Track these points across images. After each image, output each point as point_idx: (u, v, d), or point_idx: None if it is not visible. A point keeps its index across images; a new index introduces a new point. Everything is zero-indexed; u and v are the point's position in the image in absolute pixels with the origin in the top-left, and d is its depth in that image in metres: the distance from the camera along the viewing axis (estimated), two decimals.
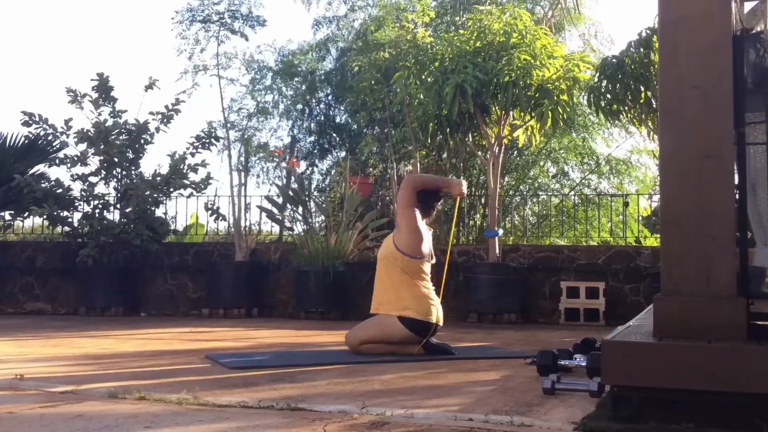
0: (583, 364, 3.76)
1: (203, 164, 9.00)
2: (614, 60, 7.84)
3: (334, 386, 3.58)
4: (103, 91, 8.89)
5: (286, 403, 3.00)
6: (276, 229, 10.45)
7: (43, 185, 8.90)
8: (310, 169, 13.48)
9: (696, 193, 2.77)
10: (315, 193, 11.46)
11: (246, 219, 9.37)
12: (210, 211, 9.23)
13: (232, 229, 9.23)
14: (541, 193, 12.37)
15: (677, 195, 2.82)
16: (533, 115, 8.08)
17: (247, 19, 10.07)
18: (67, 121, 8.92)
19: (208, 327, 7.04)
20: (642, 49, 7.61)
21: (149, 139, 8.99)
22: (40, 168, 9.41)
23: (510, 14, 8.35)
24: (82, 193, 8.93)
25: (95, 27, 25.86)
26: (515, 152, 11.79)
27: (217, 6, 9.86)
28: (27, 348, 5.20)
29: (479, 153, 9.03)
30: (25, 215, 9.27)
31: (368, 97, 11.10)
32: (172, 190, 8.98)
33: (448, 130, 8.33)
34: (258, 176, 13.30)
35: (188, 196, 9.38)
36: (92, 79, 8.86)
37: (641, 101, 7.67)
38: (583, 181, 12.78)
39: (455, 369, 4.22)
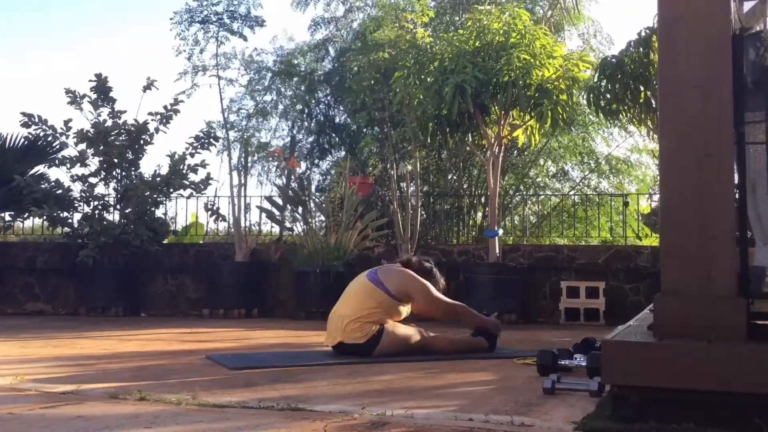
0: (583, 363, 3.76)
1: (203, 164, 9.01)
2: (614, 60, 7.83)
3: (334, 386, 3.58)
4: (102, 91, 8.90)
5: (286, 403, 3.00)
6: (276, 229, 10.45)
7: (43, 186, 8.91)
8: (310, 169, 13.49)
9: (696, 193, 2.77)
10: (315, 193, 11.44)
11: (246, 219, 9.38)
12: (210, 212, 9.23)
13: (232, 230, 9.22)
14: (541, 192, 12.37)
15: (677, 194, 2.82)
16: (533, 114, 8.08)
17: (245, 20, 10.06)
18: (66, 122, 8.93)
19: (208, 327, 7.04)
20: (641, 49, 7.61)
21: (149, 140, 9.00)
22: (40, 169, 9.43)
23: (509, 14, 8.34)
24: (82, 193, 8.94)
25: (94, 27, 25.86)
26: (515, 152, 11.79)
27: (215, 7, 9.86)
28: (27, 348, 5.20)
29: (479, 153, 9.03)
30: (25, 216, 9.27)
31: (368, 97, 11.09)
32: (171, 190, 8.99)
33: (447, 129, 8.33)
34: (258, 176, 13.32)
35: (188, 197, 9.39)
36: (90, 80, 8.88)
37: (641, 101, 7.66)
38: (583, 180, 12.78)
39: (455, 369, 4.21)
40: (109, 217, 8.95)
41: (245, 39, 10.03)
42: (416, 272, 4.92)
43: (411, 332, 4.78)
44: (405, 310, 4.86)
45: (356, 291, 4.80)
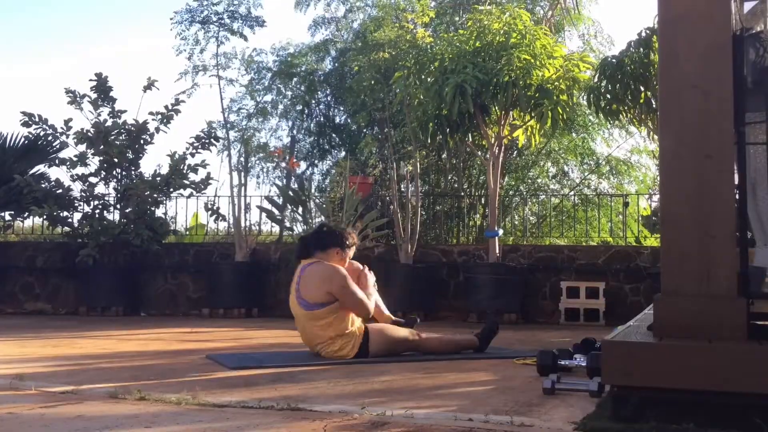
0: (583, 364, 3.76)
1: (203, 164, 9.01)
2: (614, 60, 7.83)
3: (334, 386, 3.58)
4: (102, 91, 8.90)
5: (286, 403, 3.00)
6: (276, 229, 10.44)
7: (43, 185, 8.91)
8: (310, 169, 13.49)
9: (696, 193, 2.77)
10: (315, 193, 11.45)
11: (246, 219, 9.37)
12: (210, 211, 9.23)
13: (232, 229, 9.22)
14: (540, 193, 12.36)
15: (677, 195, 2.82)
16: (533, 115, 8.09)
17: (246, 20, 10.07)
18: (66, 122, 8.93)
19: (208, 327, 7.04)
20: (642, 49, 7.61)
21: (149, 140, 9.00)
22: (40, 168, 9.44)
23: (510, 14, 8.34)
24: (82, 193, 8.95)
25: (95, 27, 25.86)
26: (515, 152, 11.79)
27: (216, 6, 9.86)
28: (27, 348, 5.20)
29: (479, 153, 9.03)
30: (26, 215, 9.28)
31: (368, 97, 11.09)
32: (172, 190, 8.99)
33: (447, 130, 8.33)
34: (258, 176, 13.31)
35: (188, 197, 9.39)
36: (91, 80, 8.88)
37: (641, 101, 7.67)
38: (583, 181, 12.78)
39: (455, 369, 4.21)
40: (109, 217, 8.95)
41: (245, 39, 10.05)
42: (341, 246, 4.80)
43: (401, 332, 4.74)
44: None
45: (302, 319, 4.73)
